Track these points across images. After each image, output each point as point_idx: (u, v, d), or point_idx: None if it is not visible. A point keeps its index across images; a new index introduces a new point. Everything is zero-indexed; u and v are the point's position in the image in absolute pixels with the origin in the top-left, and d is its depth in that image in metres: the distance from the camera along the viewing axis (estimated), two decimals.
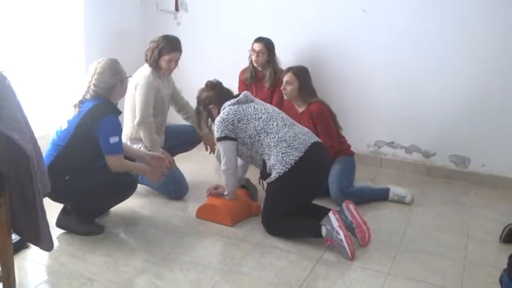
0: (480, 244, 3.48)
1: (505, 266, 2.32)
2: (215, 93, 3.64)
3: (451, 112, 4.59)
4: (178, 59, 4.02)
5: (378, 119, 4.85)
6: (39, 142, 2.58)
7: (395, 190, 4.09)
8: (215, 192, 3.72)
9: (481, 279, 3.02)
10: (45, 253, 2.92)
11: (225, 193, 3.63)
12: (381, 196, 4.08)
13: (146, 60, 3.99)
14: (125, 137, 3.92)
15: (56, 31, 4.56)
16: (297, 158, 3.32)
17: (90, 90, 3.20)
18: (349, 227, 3.25)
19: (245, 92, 3.63)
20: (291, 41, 4.90)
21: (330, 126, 4.06)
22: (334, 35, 4.80)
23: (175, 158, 4.12)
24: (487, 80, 4.43)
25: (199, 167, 4.62)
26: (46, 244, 2.69)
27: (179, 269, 2.96)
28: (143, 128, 3.91)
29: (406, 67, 4.64)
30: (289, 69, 4.17)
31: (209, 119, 3.71)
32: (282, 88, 4.16)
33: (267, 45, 4.63)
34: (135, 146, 3.94)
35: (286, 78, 4.12)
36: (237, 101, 3.51)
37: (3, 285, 2.58)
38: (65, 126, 3.20)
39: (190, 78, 4.78)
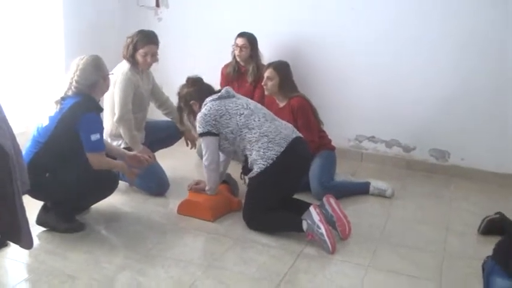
0: (460, 236, 3.52)
1: (484, 257, 2.37)
2: (196, 89, 3.63)
3: (431, 107, 4.63)
4: (155, 52, 4.00)
5: (358, 114, 4.87)
6: (18, 139, 2.57)
7: (375, 184, 4.12)
8: (196, 187, 3.71)
9: (460, 271, 3.06)
10: (25, 251, 2.89)
11: (206, 188, 3.63)
12: (361, 190, 4.11)
13: (124, 57, 3.99)
14: (105, 134, 3.88)
15: (35, 26, 4.51)
16: (279, 153, 3.34)
17: (72, 87, 3.17)
18: (329, 221, 3.27)
19: (226, 87, 3.63)
20: (273, 36, 4.90)
21: (311, 121, 4.07)
22: (316, 30, 4.81)
23: (156, 154, 4.12)
24: (468, 76, 4.47)
25: (180, 163, 4.61)
26: (26, 242, 2.67)
27: (161, 265, 2.96)
28: (122, 124, 3.90)
29: (387, 63, 4.66)
30: (269, 65, 4.18)
31: (191, 115, 3.69)
32: (263, 83, 4.18)
33: (249, 40, 4.64)
34: (115, 143, 3.93)
35: (267, 73, 4.13)
36: (219, 96, 3.51)
37: None
38: (45, 122, 3.16)
39: (172, 74, 4.78)
